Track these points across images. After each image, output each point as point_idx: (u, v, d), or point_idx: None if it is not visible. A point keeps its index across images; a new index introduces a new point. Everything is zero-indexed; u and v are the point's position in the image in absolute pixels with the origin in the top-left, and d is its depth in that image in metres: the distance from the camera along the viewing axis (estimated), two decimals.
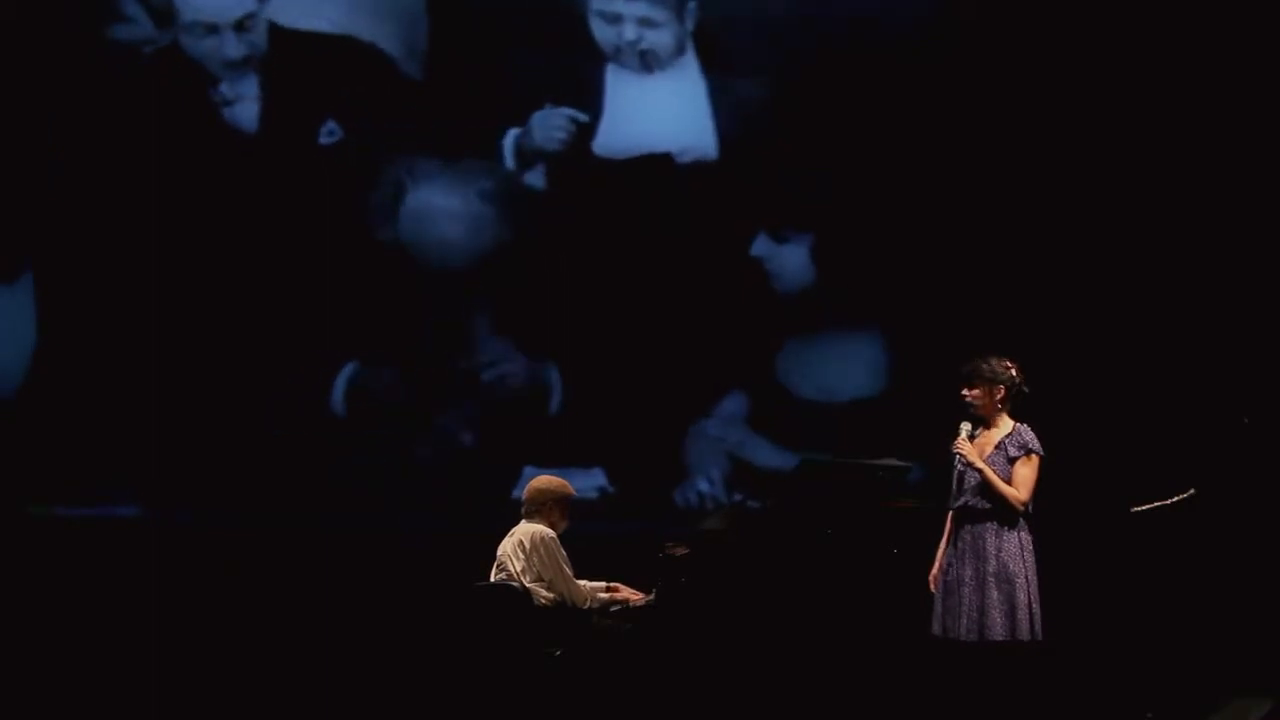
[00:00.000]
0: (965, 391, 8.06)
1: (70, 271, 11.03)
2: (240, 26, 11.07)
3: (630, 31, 11.07)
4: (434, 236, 11.17)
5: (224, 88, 11.09)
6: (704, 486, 11.06)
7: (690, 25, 11.13)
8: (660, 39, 11.10)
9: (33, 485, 10.85)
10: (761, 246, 11.12)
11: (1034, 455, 7.99)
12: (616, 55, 11.13)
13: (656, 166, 11.18)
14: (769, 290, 11.12)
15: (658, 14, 11.08)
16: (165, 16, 11.10)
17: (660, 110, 11.21)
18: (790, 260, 11.13)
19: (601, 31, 11.14)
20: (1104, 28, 10.82)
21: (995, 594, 7.86)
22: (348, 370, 11.06)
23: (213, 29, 11.07)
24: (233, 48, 11.07)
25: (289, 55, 11.10)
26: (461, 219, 11.18)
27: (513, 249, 11.17)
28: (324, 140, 11.12)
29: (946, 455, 8.15)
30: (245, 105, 11.13)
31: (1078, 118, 10.84)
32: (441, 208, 11.16)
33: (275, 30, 11.10)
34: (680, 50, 11.16)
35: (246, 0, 11.09)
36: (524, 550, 8.22)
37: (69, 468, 10.86)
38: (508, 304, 11.15)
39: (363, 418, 11.02)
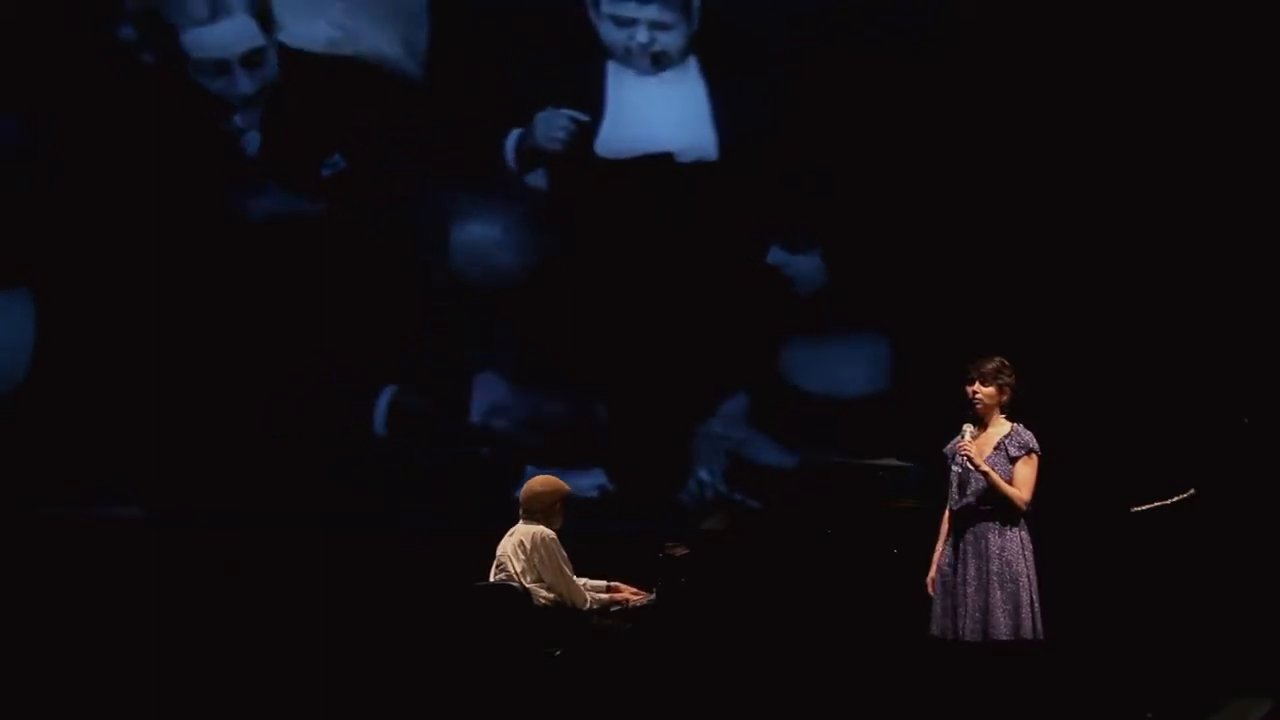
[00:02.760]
0: (977, 388, 8.03)
1: (70, 272, 11.05)
2: (249, 62, 11.07)
3: (643, 34, 11.08)
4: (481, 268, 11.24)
5: (238, 119, 11.10)
6: (704, 475, 11.07)
7: (696, 25, 11.15)
8: (672, 40, 11.12)
9: (33, 485, 10.86)
10: (776, 255, 11.13)
11: (1034, 455, 7.98)
12: (627, 57, 11.14)
13: (658, 167, 11.19)
14: (772, 290, 11.12)
15: (668, 16, 11.10)
16: (165, 48, 11.12)
17: (661, 110, 11.22)
18: (802, 263, 11.14)
19: (612, 34, 11.14)
20: (1105, 30, 10.82)
21: (999, 594, 7.86)
22: (387, 393, 11.12)
23: (223, 68, 11.07)
24: (245, 84, 11.08)
25: (293, 83, 11.12)
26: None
27: (513, 246, 11.21)
28: (326, 173, 11.14)
29: (946, 455, 8.15)
30: (255, 135, 11.16)
31: (1077, 118, 10.85)
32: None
33: (282, 52, 11.12)
34: (688, 50, 11.18)
35: (254, 34, 11.10)
36: (524, 551, 8.22)
37: (70, 468, 10.87)
38: (510, 304, 11.18)
39: (400, 434, 11.10)
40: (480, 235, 11.22)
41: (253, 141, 11.14)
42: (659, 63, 11.15)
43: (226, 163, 11.12)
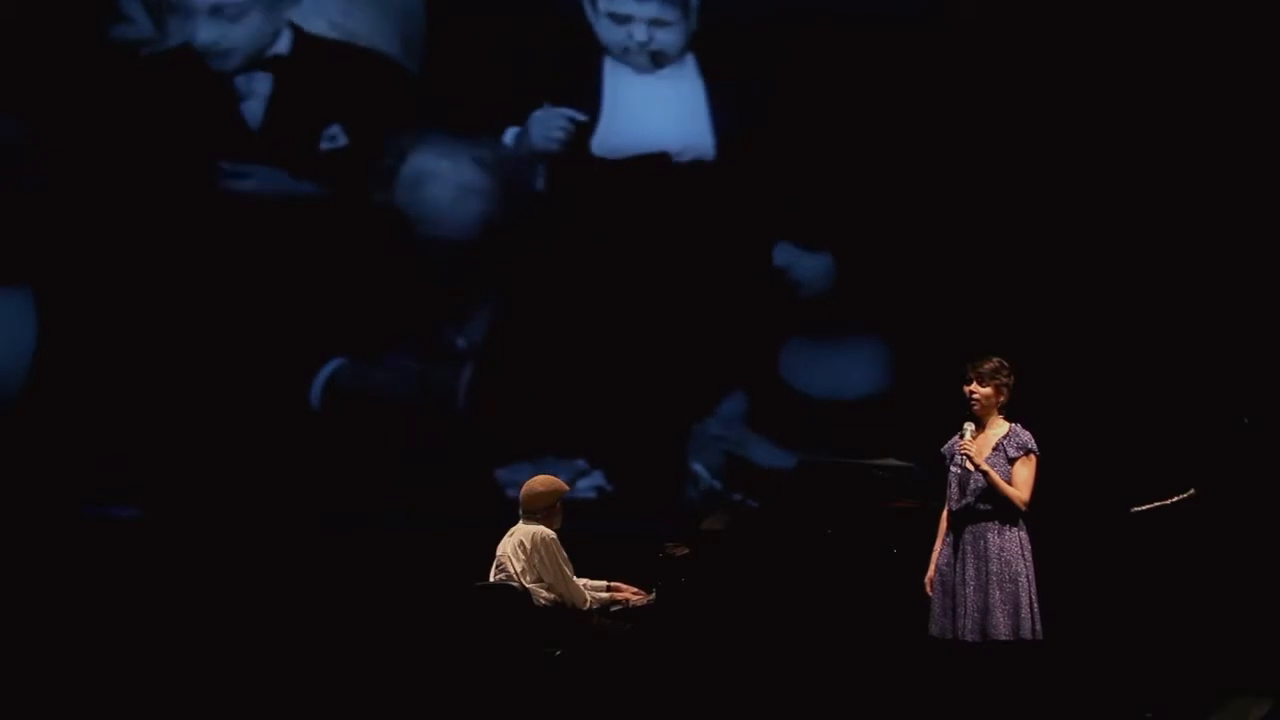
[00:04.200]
0: (974, 388, 8.02)
1: (69, 273, 11.04)
2: (217, 13, 11.03)
3: (641, 32, 11.07)
4: (430, 210, 11.17)
5: (240, 81, 11.08)
6: (702, 476, 11.06)
7: (695, 23, 11.14)
8: (671, 38, 11.11)
9: (34, 487, 10.85)
10: (784, 254, 11.12)
11: (1032, 455, 7.97)
12: (625, 55, 11.13)
13: (655, 166, 11.18)
14: (771, 291, 11.12)
15: (668, 14, 11.08)
16: (164, 14, 11.10)
17: (659, 109, 11.22)
18: (810, 265, 11.14)
19: (610, 33, 11.13)
20: (1105, 37, 10.84)
21: (998, 594, 7.85)
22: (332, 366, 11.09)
23: (190, 13, 11.05)
24: (205, 32, 11.03)
25: (297, 57, 11.10)
26: (456, 189, 11.19)
27: (508, 239, 11.17)
28: (325, 145, 11.12)
29: (944, 455, 8.14)
30: (255, 103, 11.13)
31: (1077, 122, 10.87)
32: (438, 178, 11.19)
33: (296, 32, 11.12)
34: (684, 49, 11.17)
35: None
36: (524, 551, 8.22)
37: (70, 469, 10.86)
38: (507, 304, 11.17)
39: (352, 415, 11.06)
40: (478, 238, 11.22)
41: (255, 110, 11.12)
42: (658, 61, 11.15)
43: (224, 148, 11.10)
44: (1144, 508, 8.72)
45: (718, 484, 11.07)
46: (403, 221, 11.11)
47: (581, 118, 11.18)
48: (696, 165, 11.22)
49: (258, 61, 11.08)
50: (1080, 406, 10.29)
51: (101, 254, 10.99)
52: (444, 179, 11.15)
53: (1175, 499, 8.71)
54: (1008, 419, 8.07)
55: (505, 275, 11.15)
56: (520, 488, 8.47)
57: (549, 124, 11.17)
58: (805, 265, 11.14)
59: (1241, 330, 10.54)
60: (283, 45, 11.10)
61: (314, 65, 11.09)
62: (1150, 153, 10.77)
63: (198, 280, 11.01)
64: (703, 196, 11.16)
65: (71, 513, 10.80)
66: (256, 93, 11.09)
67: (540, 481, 8.43)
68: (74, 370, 10.93)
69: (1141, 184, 10.77)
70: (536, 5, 11.22)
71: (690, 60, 11.21)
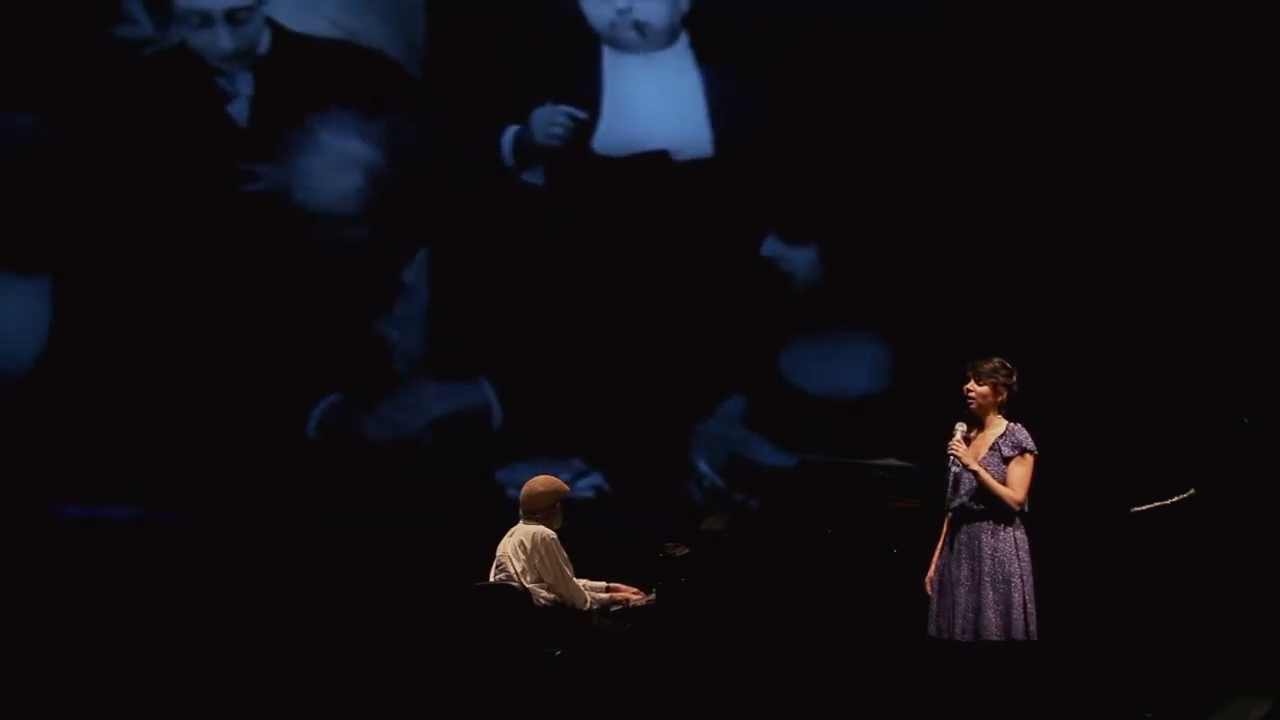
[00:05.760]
0: (972, 386, 8.01)
1: (81, 272, 11.06)
2: (232, 19, 11.06)
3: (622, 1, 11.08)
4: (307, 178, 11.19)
5: (223, 82, 11.10)
6: (703, 476, 11.06)
7: (684, 4, 11.12)
8: (653, 10, 11.08)
9: (35, 485, 10.86)
10: (771, 247, 11.12)
11: (1029, 454, 7.94)
12: (611, 32, 11.12)
13: (654, 164, 11.18)
14: (771, 289, 11.12)
15: None
16: (164, 14, 11.12)
17: (659, 107, 11.21)
18: (797, 257, 11.14)
19: (596, 12, 11.14)
20: (1105, 29, 10.83)
21: (991, 594, 7.84)
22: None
23: (206, 19, 11.07)
24: (226, 40, 11.06)
25: (286, 56, 11.11)
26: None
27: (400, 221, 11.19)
28: None
29: (947, 455, 8.14)
30: (240, 102, 11.15)
31: (1078, 116, 10.86)
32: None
33: (275, 30, 11.12)
34: (674, 28, 11.14)
35: None
36: (524, 551, 8.22)
37: (70, 468, 10.87)
38: (504, 303, 11.18)
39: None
40: (475, 234, 11.23)
41: (237, 110, 11.14)
42: (644, 34, 11.12)
43: (229, 148, 11.13)
44: (1144, 508, 8.72)
45: (721, 482, 11.08)
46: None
47: (582, 115, 11.17)
48: (695, 164, 11.21)
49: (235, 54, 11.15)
50: (1080, 406, 10.29)
51: (110, 253, 11.04)
52: (329, 150, 11.15)
53: (1175, 499, 8.70)
54: (1008, 419, 8.06)
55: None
56: (520, 488, 8.48)
57: (550, 120, 11.17)
58: (795, 255, 11.15)
59: (1241, 330, 10.54)
60: (256, 32, 11.12)
61: (296, 62, 11.12)
62: (1150, 152, 10.76)
63: (200, 281, 11.04)
64: (703, 195, 11.15)
65: (68, 512, 10.82)
66: (240, 92, 11.12)
67: (540, 482, 8.43)
68: (81, 365, 10.97)
69: (1141, 183, 10.77)
70: (537, 4, 11.22)
71: (687, 54, 11.20)
